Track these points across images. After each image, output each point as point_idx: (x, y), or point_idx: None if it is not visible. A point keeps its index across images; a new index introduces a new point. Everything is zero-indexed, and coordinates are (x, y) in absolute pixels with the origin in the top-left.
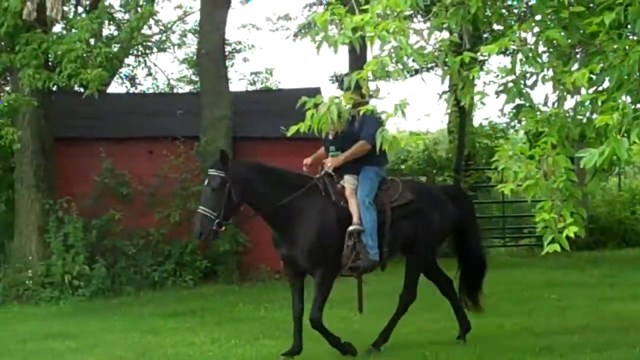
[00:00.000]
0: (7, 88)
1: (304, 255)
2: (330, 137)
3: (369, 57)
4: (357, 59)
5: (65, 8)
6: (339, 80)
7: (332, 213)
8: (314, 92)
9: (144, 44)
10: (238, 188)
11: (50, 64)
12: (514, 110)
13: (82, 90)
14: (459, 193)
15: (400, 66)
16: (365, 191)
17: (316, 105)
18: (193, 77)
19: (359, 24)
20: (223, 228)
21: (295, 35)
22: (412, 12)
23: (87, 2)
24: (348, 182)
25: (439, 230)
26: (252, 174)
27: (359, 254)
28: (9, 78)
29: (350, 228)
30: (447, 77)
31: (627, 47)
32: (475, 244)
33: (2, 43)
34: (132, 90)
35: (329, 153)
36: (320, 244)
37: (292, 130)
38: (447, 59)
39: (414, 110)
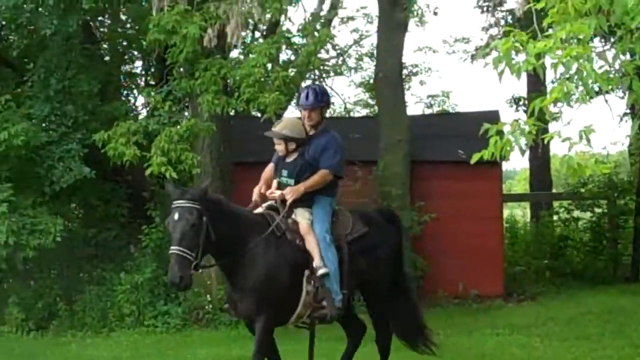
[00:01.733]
0: (186, 113)
1: (249, 299)
2: (281, 154)
3: (548, 80)
4: (536, 82)
5: (243, 33)
6: (517, 103)
7: (289, 254)
8: (492, 115)
9: (321, 67)
10: (217, 224)
11: (228, 89)
12: None
13: (259, 114)
14: (395, 217)
15: (584, 91)
16: (324, 226)
17: (499, 132)
18: (369, 101)
19: (542, 50)
20: (200, 271)
21: (473, 57)
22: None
23: (264, 28)
24: (302, 215)
25: (390, 263)
26: (225, 212)
27: (321, 300)
28: (187, 104)
29: (320, 272)
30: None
31: None
32: (408, 275)
33: (182, 69)
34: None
35: (279, 177)
36: (269, 287)
37: (476, 157)
38: (632, 83)
39: (597, 135)
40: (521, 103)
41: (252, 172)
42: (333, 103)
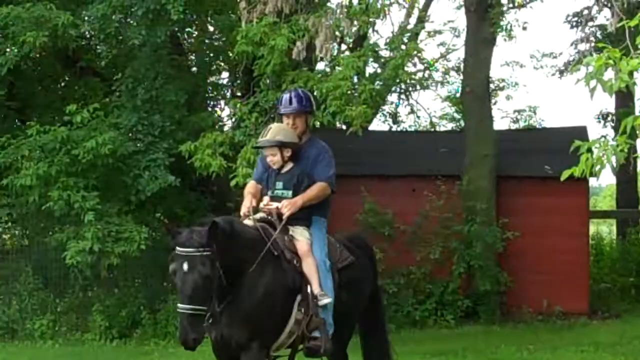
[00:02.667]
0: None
1: (242, 325)
2: (276, 166)
3: (638, 96)
4: (624, 97)
5: (331, 46)
6: (604, 118)
7: (286, 276)
8: (580, 131)
9: (407, 81)
10: (224, 256)
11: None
12: None
13: (344, 127)
14: (368, 246)
15: None
16: (324, 250)
17: (589, 149)
18: (455, 115)
19: (635, 67)
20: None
21: (561, 72)
22: None
23: (350, 41)
24: (302, 235)
25: (367, 299)
26: (232, 238)
27: (312, 331)
28: (273, 116)
29: (323, 301)
30: None
31: None
32: (382, 313)
33: (269, 81)
34: (394, 127)
35: (272, 190)
36: (267, 313)
37: (566, 174)
38: None
39: None
40: (609, 119)
41: (337, 185)
42: (418, 117)
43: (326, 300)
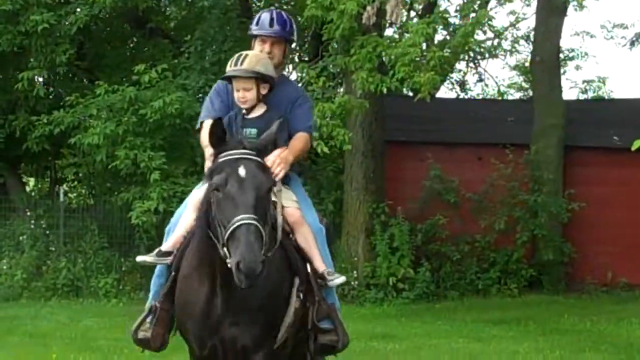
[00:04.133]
0: (340, 90)
1: (253, 320)
2: (246, 105)
3: None
4: None
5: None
6: None
7: (287, 254)
8: None
9: (476, 49)
10: None
11: (382, 67)
12: None
13: (412, 94)
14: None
15: None
16: (314, 213)
17: None
18: (523, 84)
19: None
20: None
21: (632, 43)
22: None
23: (420, 7)
24: (288, 198)
25: None
26: None
27: (321, 320)
28: (341, 81)
29: (336, 280)
30: None
31: None
32: None
33: (337, 46)
34: (462, 95)
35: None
36: (277, 302)
37: (637, 144)
38: None
39: None
40: None
41: (403, 151)
42: (487, 85)
43: (339, 280)
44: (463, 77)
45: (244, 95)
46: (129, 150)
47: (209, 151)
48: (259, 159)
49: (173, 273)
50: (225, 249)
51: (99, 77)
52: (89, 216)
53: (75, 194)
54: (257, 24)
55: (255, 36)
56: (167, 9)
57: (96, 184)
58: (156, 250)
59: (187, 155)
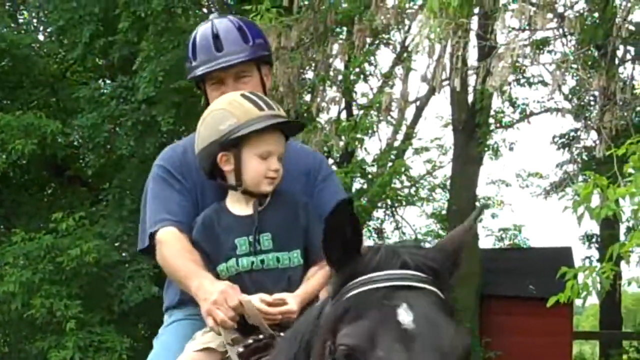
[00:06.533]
0: None
1: None
2: (267, 191)
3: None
4: (609, 219)
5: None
6: (589, 240)
7: None
8: (564, 252)
9: (394, 197)
10: None
11: None
12: None
13: None
14: None
15: None
16: None
17: (575, 276)
18: (440, 232)
19: (622, 194)
20: None
21: (547, 193)
22: None
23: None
24: None
25: None
26: None
27: None
28: None
29: None
30: None
31: None
32: None
33: None
34: (379, 242)
35: (236, 256)
36: None
37: (552, 301)
38: None
39: None
40: (594, 240)
41: None
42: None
43: None
44: (380, 224)
45: (278, 167)
46: (44, 299)
47: (197, 282)
48: (438, 291)
49: None
50: None
51: (15, 225)
52: None
53: None
54: (193, 53)
55: (202, 78)
56: (86, 156)
57: (11, 332)
58: None
59: (104, 304)
